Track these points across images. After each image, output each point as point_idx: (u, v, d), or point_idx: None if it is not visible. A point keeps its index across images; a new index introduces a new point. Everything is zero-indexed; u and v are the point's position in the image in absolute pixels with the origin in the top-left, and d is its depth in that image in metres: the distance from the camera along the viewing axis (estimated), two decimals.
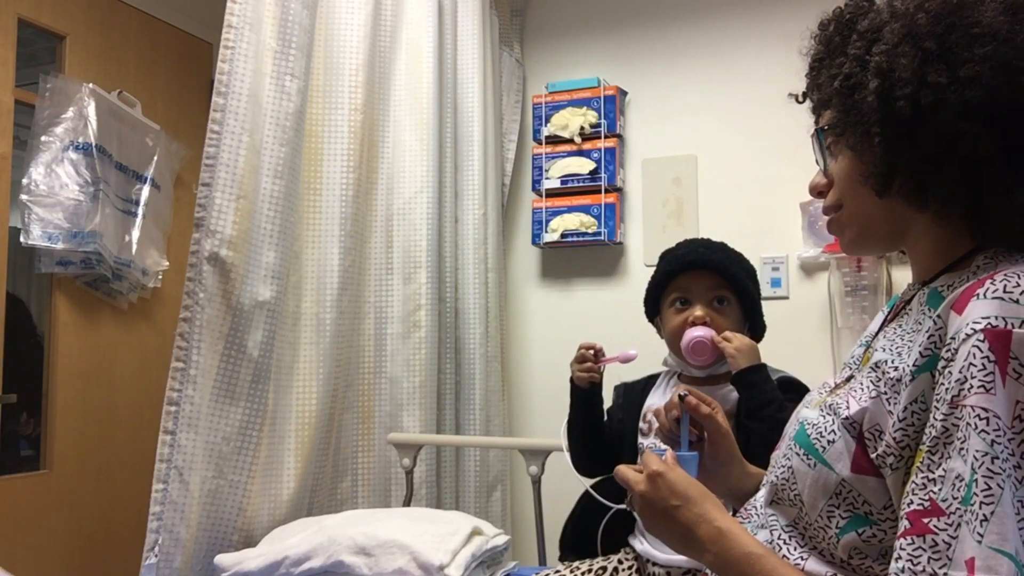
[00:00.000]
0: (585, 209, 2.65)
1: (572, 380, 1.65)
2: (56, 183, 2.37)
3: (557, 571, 1.57)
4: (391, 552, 1.69)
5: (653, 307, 1.65)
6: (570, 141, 2.68)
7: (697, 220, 2.60)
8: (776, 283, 2.48)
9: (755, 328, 1.60)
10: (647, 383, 1.67)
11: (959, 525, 0.68)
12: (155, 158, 2.68)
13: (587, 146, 2.67)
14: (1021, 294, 0.71)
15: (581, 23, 2.85)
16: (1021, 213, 0.79)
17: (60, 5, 2.47)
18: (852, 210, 0.91)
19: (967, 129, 0.76)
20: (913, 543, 0.71)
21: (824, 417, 0.87)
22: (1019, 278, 0.72)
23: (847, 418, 0.83)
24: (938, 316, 0.76)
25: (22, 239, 2.31)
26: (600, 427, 1.65)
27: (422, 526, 1.79)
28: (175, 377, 1.73)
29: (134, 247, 2.58)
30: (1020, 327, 0.70)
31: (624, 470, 0.97)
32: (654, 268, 1.66)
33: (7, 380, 2.28)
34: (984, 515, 0.67)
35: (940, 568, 0.68)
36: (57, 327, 2.44)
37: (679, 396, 1.08)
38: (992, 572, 0.65)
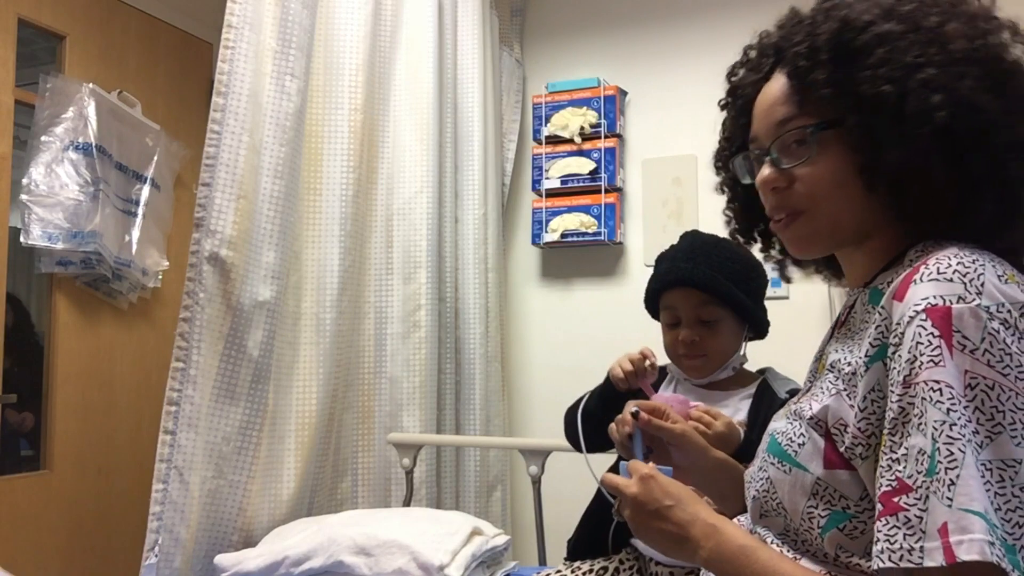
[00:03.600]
0: (585, 209, 2.65)
1: (610, 374, 1.55)
2: (56, 183, 2.37)
3: (558, 571, 1.57)
4: (391, 552, 1.69)
5: (654, 310, 1.63)
6: (570, 141, 2.68)
7: (697, 220, 2.60)
8: (776, 283, 2.44)
9: (757, 328, 1.58)
10: (659, 376, 1.64)
11: (927, 497, 0.70)
12: (155, 158, 2.68)
13: (587, 146, 2.67)
14: (954, 273, 0.75)
15: (581, 23, 2.85)
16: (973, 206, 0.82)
17: (60, 5, 2.47)
18: (824, 210, 0.88)
19: (1016, 156, 0.80)
20: (887, 523, 0.72)
21: (791, 424, 0.90)
22: (950, 260, 0.76)
23: (811, 418, 0.86)
24: (882, 308, 0.79)
25: (22, 239, 2.31)
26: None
27: (422, 526, 1.79)
28: (175, 377, 1.73)
29: (134, 247, 2.57)
30: (958, 303, 0.73)
31: (612, 477, 0.97)
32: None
33: (7, 380, 2.28)
34: (951, 479, 0.68)
35: (916, 542, 0.70)
36: (57, 327, 2.44)
37: (631, 414, 1.08)
38: (965, 532, 0.67)
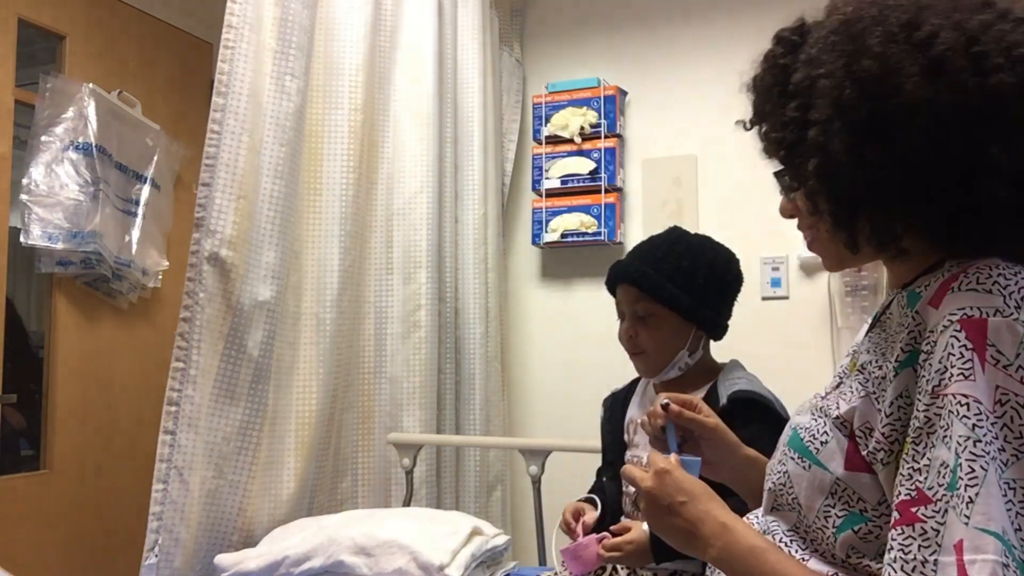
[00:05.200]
0: (585, 209, 2.65)
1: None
2: (56, 183, 2.37)
3: (557, 573, 1.57)
4: (391, 552, 1.69)
5: None
6: (570, 141, 2.68)
7: (697, 220, 2.60)
8: (776, 283, 2.48)
9: (710, 327, 1.54)
10: (628, 392, 1.67)
11: (946, 511, 0.69)
12: (155, 158, 2.68)
13: (587, 146, 2.67)
14: (993, 284, 0.73)
15: (581, 23, 2.85)
16: (988, 227, 0.78)
17: (60, 5, 2.47)
18: (825, 246, 0.91)
19: (911, 198, 0.78)
20: (903, 533, 0.72)
21: (816, 420, 0.89)
22: (991, 270, 0.75)
23: (837, 417, 0.85)
24: (916, 313, 0.78)
25: (22, 239, 2.31)
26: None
27: (422, 526, 1.79)
28: (175, 377, 1.73)
29: (134, 247, 2.57)
30: (994, 316, 0.71)
31: (631, 469, 0.98)
32: None
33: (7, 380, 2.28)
34: (970, 497, 0.68)
35: (930, 555, 0.69)
36: (57, 327, 2.44)
37: (662, 406, 1.08)
38: (979, 552, 0.66)
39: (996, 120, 0.74)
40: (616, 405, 1.66)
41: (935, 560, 0.69)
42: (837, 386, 0.92)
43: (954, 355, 0.71)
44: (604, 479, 1.58)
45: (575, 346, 2.74)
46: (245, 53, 1.84)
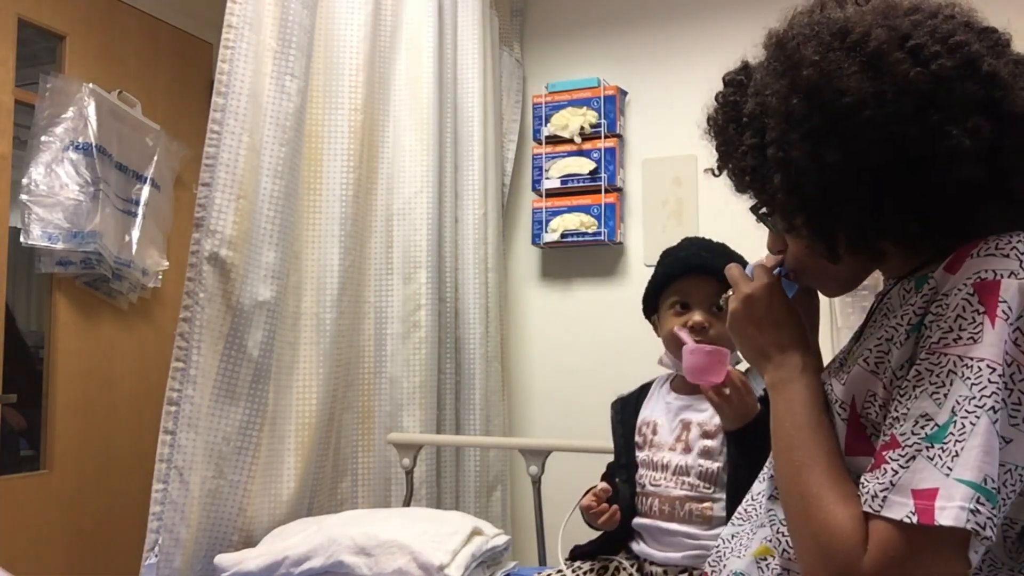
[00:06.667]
0: (585, 209, 2.65)
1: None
2: (56, 183, 2.37)
3: (559, 571, 1.57)
4: (391, 552, 1.69)
5: (651, 306, 1.64)
6: (570, 141, 2.68)
7: (697, 220, 2.60)
8: None
9: None
10: (640, 394, 1.65)
11: (914, 457, 0.71)
12: (155, 158, 2.68)
13: (587, 146, 2.67)
14: (1012, 249, 0.75)
15: (581, 23, 2.85)
16: (965, 209, 0.80)
17: (60, 5, 2.47)
18: (818, 273, 0.94)
19: (880, 192, 0.79)
20: (873, 474, 0.75)
21: None
22: (1011, 237, 0.76)
23: (835, 401, 0.86)
24: (931, 278, 0.79)
25: (22, 239, 2.31)
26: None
27: (422, 526, 1.80)
28: (175, 377, 1.73)
29: (134, 247, 2.57)
30: (1008, 277, 0.73)
31: (736, 268, 1.00)
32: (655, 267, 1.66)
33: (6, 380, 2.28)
34: (956, 451, 0.69)
35: (881, 491, 0.72)
36: (57, 327, 2.44)
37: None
38: (950, 500, 0.68)
39: (948, 103, 0.76)
40: (628, 408, 1.65)
41: (884, 496, 0.71)
42: (836, 375, 0.93)
43: (964, 319, 0.73)
44: (617, 480, 1.57)
45: (575, 346, 2.74)
46: (245, 53, 1.84)
